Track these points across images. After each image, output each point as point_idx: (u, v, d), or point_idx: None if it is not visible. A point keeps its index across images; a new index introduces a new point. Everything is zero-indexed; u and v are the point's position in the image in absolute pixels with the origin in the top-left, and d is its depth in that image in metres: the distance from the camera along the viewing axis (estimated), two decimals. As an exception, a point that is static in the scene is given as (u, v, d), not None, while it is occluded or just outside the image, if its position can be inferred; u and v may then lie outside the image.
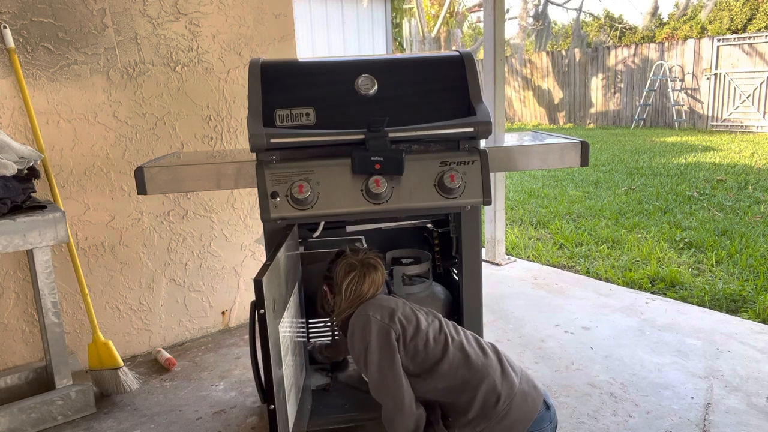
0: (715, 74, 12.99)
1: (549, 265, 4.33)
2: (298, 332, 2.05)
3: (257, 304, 1.47)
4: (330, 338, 2.63)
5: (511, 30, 19.87)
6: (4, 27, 2.46)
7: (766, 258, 4.23)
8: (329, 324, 2.63)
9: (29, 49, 2.56)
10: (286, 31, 3.31)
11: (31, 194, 2.35)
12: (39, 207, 2.31)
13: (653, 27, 20.78)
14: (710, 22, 19.28)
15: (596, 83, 15.38)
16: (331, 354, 2.47)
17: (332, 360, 2.49)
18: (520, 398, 1.74)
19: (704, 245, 4.62)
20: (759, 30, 17.07)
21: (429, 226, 2.49)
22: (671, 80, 13.60)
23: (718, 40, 13.00)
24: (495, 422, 1.71)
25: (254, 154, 1.99)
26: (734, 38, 12.89)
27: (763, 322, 3.19)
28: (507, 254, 4.48)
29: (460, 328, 1.91)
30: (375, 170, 1.91)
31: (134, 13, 2.81)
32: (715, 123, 13.16)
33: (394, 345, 1.76)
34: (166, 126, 2.97)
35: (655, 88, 13.93)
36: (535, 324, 3.20)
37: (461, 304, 2.16)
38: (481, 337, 2.15)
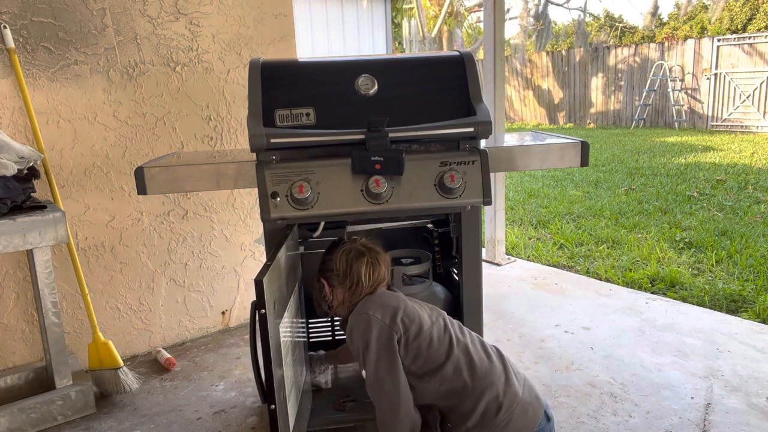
0: (715, 74, 12.99)
1: (549, 265, 4.33)
2: (299, 332, 2.05)
3: (258, 305, 1.47)
4: (330, 337, 2.64)
5: (512, 30, 19.89)
6: (4, 27, 2.46)
7: (766, 258, 4.23)
8: (330, 324, 2.63)
9: (29, 49, 2.56)
10: (286, 31, 3.31)
11: (31, 194, 2.35)
12: (39, 207, 2.31)
13: (653, 27, 20.79)
14: (710, 22, 19.27)
15: (596, 83, 15.39)
16: (334, 363, 2.42)
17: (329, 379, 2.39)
18: (521, 409, 1.70)
19: (704, 245, 4.62)
20: (759, 30, 17.06)
21: (429, 226, 2.49)
22: (671, 80, 13.61)
23: (718, 40, 13.00)
24: None
25: (254, 154, 1.99)
26: (734, 38, 12.90)
27: (763, 322, 3.19)
28: (507, 254, 4.48)
29: (465, 328, 1.87)
30: (375, 170, 1.91)
31: (134, 13, 2.81)
32: (715, 123, 13.16)
33: (394, 348, 1.71)
34: (166, 126, 2.97)
35: (655, 88, 13.93)
36: (535, 324, 3.20)
37: (461, 304, 2.16)
38: (481, 337, 2.15)
